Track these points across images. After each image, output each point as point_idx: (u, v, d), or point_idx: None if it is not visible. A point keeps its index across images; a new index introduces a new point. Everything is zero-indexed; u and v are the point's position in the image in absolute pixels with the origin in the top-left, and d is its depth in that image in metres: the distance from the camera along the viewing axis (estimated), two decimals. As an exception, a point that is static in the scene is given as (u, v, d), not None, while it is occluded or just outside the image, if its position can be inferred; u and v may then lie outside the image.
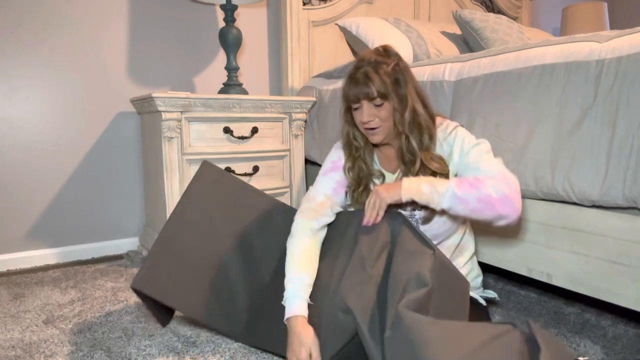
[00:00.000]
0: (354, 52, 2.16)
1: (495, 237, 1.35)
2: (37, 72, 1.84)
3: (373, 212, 1.08)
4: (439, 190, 1.04)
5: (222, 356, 1.10)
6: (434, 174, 1.12)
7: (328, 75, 2.17)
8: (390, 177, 1.23)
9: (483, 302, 1.23)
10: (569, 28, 2.95)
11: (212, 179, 1.27)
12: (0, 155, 1.80)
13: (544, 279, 1.23)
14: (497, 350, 0.77)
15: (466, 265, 1.23)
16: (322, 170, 1.27)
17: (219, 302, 1.15)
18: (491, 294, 1.28)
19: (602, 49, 1.08)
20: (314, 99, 2.05)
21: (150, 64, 2.06)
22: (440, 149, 1.14)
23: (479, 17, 2.13)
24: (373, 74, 1.09)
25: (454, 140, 1.13)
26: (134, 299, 1.47)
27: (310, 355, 0.99)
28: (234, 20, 1.93)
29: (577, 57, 1.12)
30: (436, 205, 1.05)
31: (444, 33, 2.28)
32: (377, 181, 1.23)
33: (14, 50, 1.79)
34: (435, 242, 1.14)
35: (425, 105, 1.15)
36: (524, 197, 1.26)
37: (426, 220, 1.14)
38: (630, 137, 0.99)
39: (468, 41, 2.17)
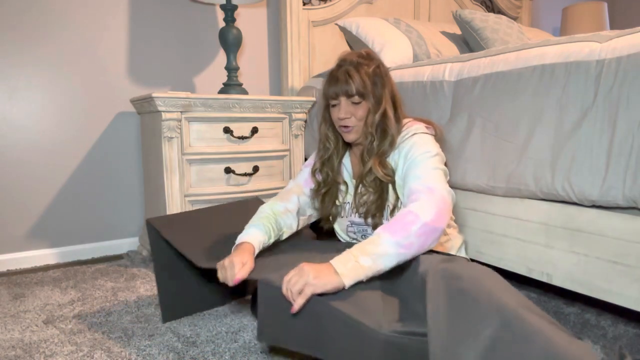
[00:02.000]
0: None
1: (495, 237, 1.35)
2: (37, 72, 1.84)
3: (288, 294, 0.88)
4: (380, 251, 0.92)
5: (222, 356, 1.10)
6: (376, 180, 1.14)
7: (328, 75, 2.17)
8: (351, 187, 1.24)
9: None
10: (569, 28, 2.95)
11: (162, 225, 1.26)
12: (0, 155, 1.80)
13: (544, 279, 1.22)
14: (569, 338, 0.70)
15: None
16: (304, 164, 1.35)
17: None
18: None
19: (602, 49, 1.08)
20: (314, 99, 2.05)
21: (150, 64, 2.06)
22: (394, 154, 1.15)
23: (479, 17, 2.13)
24: (354, 72, 1.12)
25: (404, 147, 1.13)
26: (134, 299, 1.47)
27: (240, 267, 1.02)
28: (234, 20, 1.93)
29: (577, 57, 1.12)
30: (385, 267, 0.93)
31: (444, 33, 2.28)
32: (342, 188, 1.25)
33: (14, 50, 1.79)
34: None
35: (395, 109, 1.16)
36: (524, 197, 1.26)
37: (376, 227, 1.14)
38: (630, 137, 0.99)
39: (468, 41, 2.17)
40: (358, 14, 2.50)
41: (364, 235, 1.23)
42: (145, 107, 1.81)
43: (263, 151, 1.90)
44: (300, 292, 0.87)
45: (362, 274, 0.91)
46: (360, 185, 1.19)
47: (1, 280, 1.69)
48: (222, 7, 1.92)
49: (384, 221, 1.15)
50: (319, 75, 2.26)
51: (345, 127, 1.16)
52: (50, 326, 1.28)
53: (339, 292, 0.89)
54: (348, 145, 1.26)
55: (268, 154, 1.92)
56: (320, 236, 1.46)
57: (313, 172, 1.27)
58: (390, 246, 0.92)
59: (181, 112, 1.70)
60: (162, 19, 2.07)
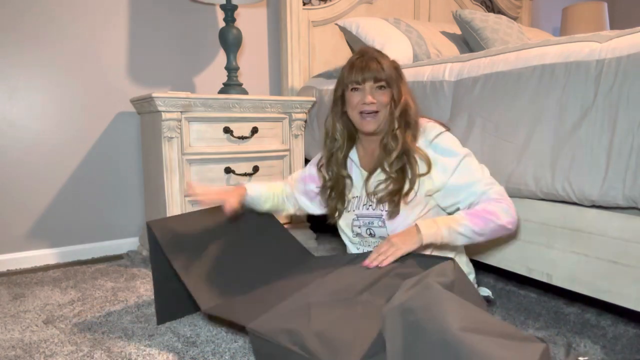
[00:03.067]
0: (354, 52, 2.17)
1: (495, 237, 1.35)
2: (37, 72, 1.84)
3: (380, 257, 1.08)
4: (457, 229, 1.08)
5: (222, 356, 1.10)
6: (400, 169, 1.15)
7: (328, 75, 2.17)
8: (359, 180, 1.26)
9: None
10: (569, 28, 2.95)
11: (163, 229, 1.26)
12: (0, 155, 1.80)
13: (544, 279, 1.23)
14: (519, 347, 0.73)
15: None
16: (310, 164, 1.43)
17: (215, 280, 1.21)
18: (485, 291, 1.28)
19: (602, 49, 1.08)
20: (314, 99, 2.05)
21: (150, 64, 2.06)
22: (426, 148, 1.18)
23: (479, 17, 2.13)
24: (382, 60, 1.17)
25: (437, 145, 1.16)
26: (134, 299, 1.47)
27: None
28: (234, 20, 1.93)
29: (577, 57, 1.12)
30: (456, 243, 1.11)
31: (444, 33, 2.28)
32: (348, 182, 1.27)
33: (14, 51, 1.79)
34: None
35: (413, 102, 1.21)
36: (524, 197, 1.26)
37: (392, 215, 1.17)
38: (630, 137, 0.99)
39: (468, 41, 2.17)
40: (358, 14, 2.49)
41: (369, 230, 1.24)
42: (145, 107, 1.81)
43: (263, 151, 1.90)
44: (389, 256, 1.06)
45: (438, 240, 1.08)
46: (378, 174, 1.20)
47: (1, 280, 1.69)
48: (222, 7, 1.92)
49: (400, 208, 1.17)
50: (319, 75, 2.26)
51: (369, 113, 1.17)
52: (50, 326, 1.28)
53: (320, 318, 0.92)
54: (354, 140, 1.28)
55: (268, 154, 1.92)
56: (318, 233, 1.48)
57: (319, 167, 1.30)
58: (467, 231, 1.08)
59: (181, 112, 1.70)
60: (162, 19, 2.07)
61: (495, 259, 1.36)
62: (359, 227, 1.26)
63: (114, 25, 1.97)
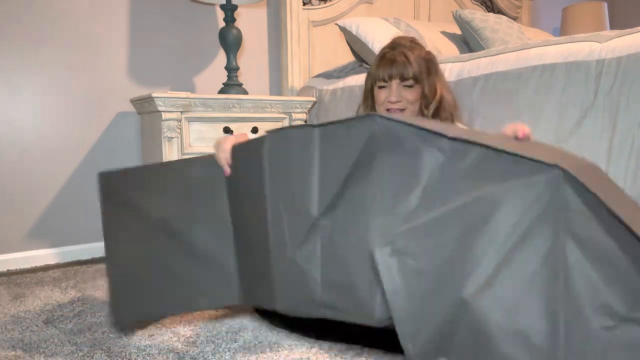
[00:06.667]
0: (354, 52, 2.17)
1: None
2: (37, 72, 1.84)
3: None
4: None
5: (222, 356, 1.10)
6: None
7: (328, 76, 2.17)
8: None
9: None
10: (569, 28, 2.95)
11: (112, 186, 1.14)
12: (0, 155, 1.80)
13: (544, 279, 1.22)
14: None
15: None
16: None
17: (174, 291, 1.10)
18: None
19: (602, 49, 1.08)
20: (314, 99, 2.05)
21: (150, 64, 2.06)
22: None
23: (479, 17, 2.13)
24: (411, 54, 1.10)
25: None
26: (134, 299, 1.47)
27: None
28: (234, 20, 1.93)
29: (577, 57, 1.12)
30: None
31: (444, 33, 2.28)
32: None
33: (14, 50, 1.79)
34: None
35: (449, 93, 1.16)
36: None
37: None
38: (630, 137, 0.99)
39: (468, 41, 2.17)
40: (358, 14, 2.50)
41: None
42: (145, 107, 1.81)
43: (263, 151, 1.90)
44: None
45: None
46: None
47: (1, 280, 1.69)
48: (222, 7, 1.92)
49: None
50: (319, 75, 2.26)
51: (395, 110, 1.13)
52: (50, 326, 1.28)
53: None
54: None
55: (268, 154, 1.92)
56: None
57: None
58: None
59: (181, 112, 1.70)
60: (162, 19, 2.07)
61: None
62: None
63: (114, 25, 1.97)
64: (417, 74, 1.10)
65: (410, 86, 1.11)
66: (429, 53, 1.15)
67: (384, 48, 1.15)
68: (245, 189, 0.99)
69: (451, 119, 1.14)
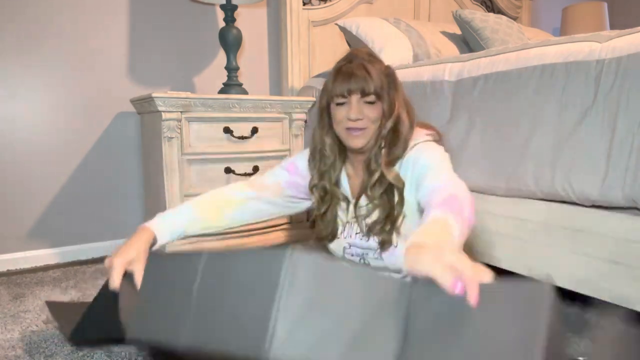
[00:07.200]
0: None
1: (495, 236, 1.35)
2: (37, 72, 1.84)
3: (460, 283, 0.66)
4: (456, 235, 0.79)
5: (222, 356, 1.10)
6: (384, 194, 1.02)
7: (328, 75, 2.17)
8: (349, 205, 1.11)
9: None
10: (569, 28, 2.95)
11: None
12: (0, 155, 1.79)
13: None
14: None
15: None
16: (281, 165, 1.23)
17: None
18: None
19: (602, 49, 1.08)
20: (314, 99, 2.05)
21: (150, 64, 2.06)
22: (399, 165, 1.03)
23: (479, 17, 2.13)
24: (371, 67, 1.00)
25: (410, 157, 1.01)
26: (134, 299, 1.47)
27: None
28: (234, 20, 1.93)
29: (577, 57, 1.12)
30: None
31: (444, 33, 2.28)
32: (343, 204, 1.12)
33: (13, 50, 1.79)
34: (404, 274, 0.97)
35: (408, 114, 1.04)
36: (524, 197, 1.26)
37: (384, 246, 1.01)
38: (631, 137, 0.99)
39: (468, 41, 2.17)
40: (358, 14, 2.49)
41: (363, 259, 1.10)
42: (145, 107, 1.82)
43: (263, 151, 1.90)
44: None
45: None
46: (363, 201, 1.06)
47: (1, 280, 1.69)
48: (222, 7, 1.92)
49: (393, 238, 1.03)
50: (319, 75, 2.26)
51: (355, 129, 1.01)
52: (50, 326, 1.28)
53: None
54: (345, 155, 1.12)
55: (268, 154, 1.92)
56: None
57: (311, 188, 1.12)
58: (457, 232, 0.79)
59: (181, 112, 1.70)
60: (162, 18, 2.07)
61: (495, 259, 1.36)
62: (352, 256, 1.12)
63: (114, 25, 1.97)
64: (378, 89, 0.99)
65: (372, 102, 1.00)
66: (388, 67, 1.04)
67: (340, 61, 1.04)
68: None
69: (403, 147, 1.01)
